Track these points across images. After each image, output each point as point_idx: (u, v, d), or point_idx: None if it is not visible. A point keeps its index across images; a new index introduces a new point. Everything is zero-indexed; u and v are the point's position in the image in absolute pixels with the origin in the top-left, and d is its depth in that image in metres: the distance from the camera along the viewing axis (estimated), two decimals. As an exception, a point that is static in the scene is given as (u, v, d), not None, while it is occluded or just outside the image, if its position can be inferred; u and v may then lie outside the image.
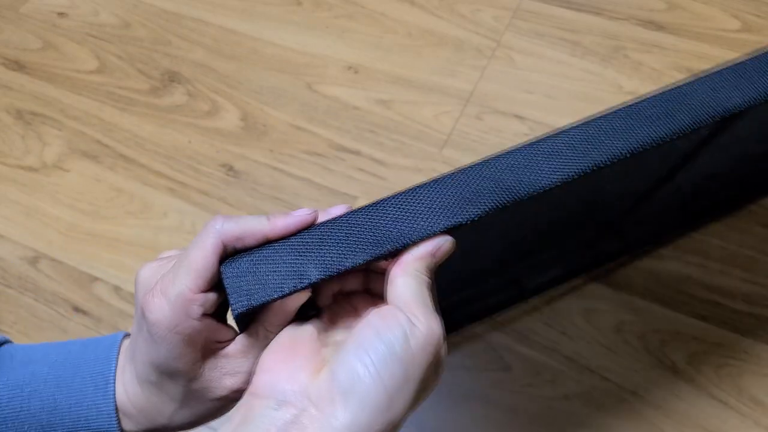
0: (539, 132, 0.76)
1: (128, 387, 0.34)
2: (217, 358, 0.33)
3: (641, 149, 0.33)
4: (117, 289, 0.69)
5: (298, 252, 0.31)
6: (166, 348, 0.31)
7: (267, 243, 0.32)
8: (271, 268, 0.30)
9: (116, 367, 0.34)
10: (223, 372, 0.32)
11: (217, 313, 0.33)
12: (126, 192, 0.76)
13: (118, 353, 0.35)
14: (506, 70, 0.82)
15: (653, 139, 0.33)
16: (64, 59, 0.88)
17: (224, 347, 0.33)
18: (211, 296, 0.31)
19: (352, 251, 0.31)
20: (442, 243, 0.31)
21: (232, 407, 0.33)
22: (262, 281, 0.30)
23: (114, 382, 0.34)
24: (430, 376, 0.29)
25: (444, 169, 0.74)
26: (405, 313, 0.29)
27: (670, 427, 0.59)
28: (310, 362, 0.29)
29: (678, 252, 0.67)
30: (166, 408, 0.33)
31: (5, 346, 0.37)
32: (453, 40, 0.85)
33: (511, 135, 0.76)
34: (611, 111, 0.34)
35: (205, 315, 0.31)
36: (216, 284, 0.32)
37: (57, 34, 0.91)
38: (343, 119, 0.79)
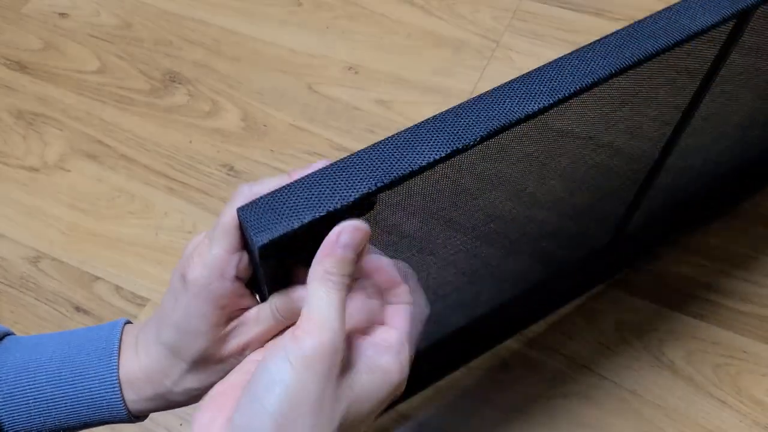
0: (539, 132, 0.77)
1: (141, 350, 0.35)
2: (234, 322, 0.34)
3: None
4: (118, 289, 0.69)
5: (315, 185, 0.30)
6: (197, 305, 0.32)
7: None
8: (289, 202, 0.30)
9: (120, 343, 0.35)
10: (233, 335, 0.34)
11: (248, 283, 0.34)
12: (127, 192, 0.76)
13: (122, 332, 0.36)
14: (505, 71, 0.82)
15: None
16: (65, 59, 0.88)
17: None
18: (245, 257, 0.32)
19: (366, 178, 0.31)
20: (351, 231, 0.29)
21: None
22: (281, 214, 0.29)
23: (117, 355, 0.35)
24: (338, 391, 0.27)
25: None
26: (293, 329, 0.28)
27: (669, 426, 0.59)
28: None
29: (677, 252, 0.67)
30: (174, 370, 0.34)
31: (9, 337, 0.39)
32: (453, 41, 0.85)
33: (510, 135, 0.77)
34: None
35: (237, 278, 0.32)
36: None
37: (58, 34, 0.91)
38: (344, 119, 0.80)
